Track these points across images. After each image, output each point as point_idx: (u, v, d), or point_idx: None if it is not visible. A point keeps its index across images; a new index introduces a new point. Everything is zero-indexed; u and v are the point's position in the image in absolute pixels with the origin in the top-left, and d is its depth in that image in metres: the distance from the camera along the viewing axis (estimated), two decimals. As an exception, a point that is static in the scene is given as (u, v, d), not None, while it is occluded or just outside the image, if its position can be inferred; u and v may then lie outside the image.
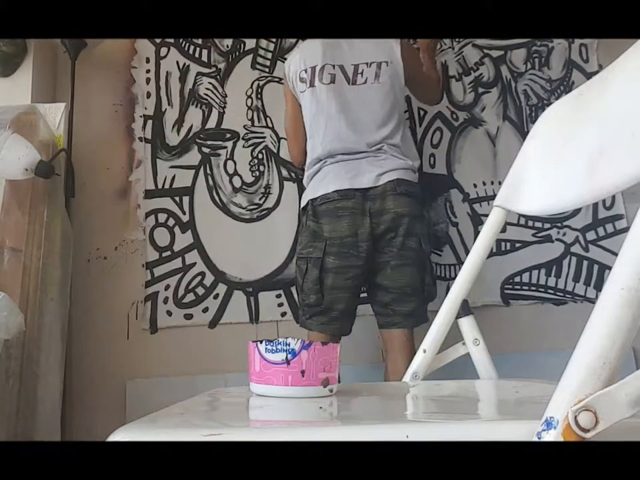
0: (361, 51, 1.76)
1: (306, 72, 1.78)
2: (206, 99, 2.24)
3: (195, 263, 2.11)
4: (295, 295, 1.96)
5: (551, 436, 0.41)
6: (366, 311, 2.09)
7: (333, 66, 1.76)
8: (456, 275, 1.05)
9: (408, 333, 1.65)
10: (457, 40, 2.34)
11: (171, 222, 2.14)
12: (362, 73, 1.75)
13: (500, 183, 0.97)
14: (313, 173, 1.76)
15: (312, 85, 1.76)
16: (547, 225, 2.19)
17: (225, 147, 2.21)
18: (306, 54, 1.80)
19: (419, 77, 1.86)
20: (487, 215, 0.96)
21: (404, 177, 1.68)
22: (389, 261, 1.65)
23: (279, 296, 2.10)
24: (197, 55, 2.28)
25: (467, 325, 0.97)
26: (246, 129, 2.23)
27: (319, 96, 1.75)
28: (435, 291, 1.72)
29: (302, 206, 1.79)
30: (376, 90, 1.73)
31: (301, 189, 2.18)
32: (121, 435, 0.48)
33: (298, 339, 0.68)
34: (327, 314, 1.68)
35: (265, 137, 2.23)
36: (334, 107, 1.72)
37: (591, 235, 2.20)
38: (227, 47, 2.29)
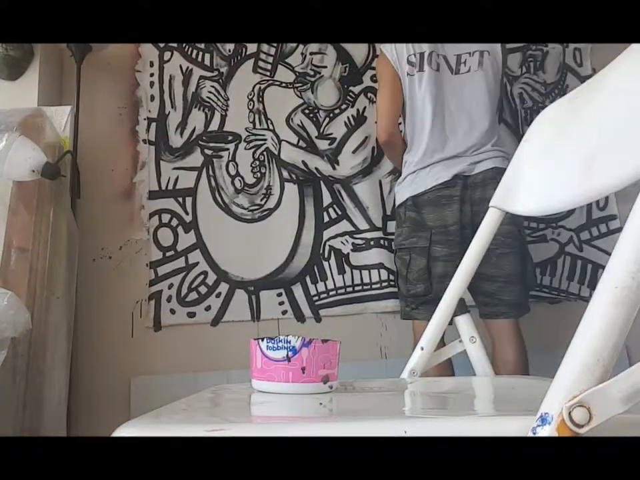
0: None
1: (415, 56, 1.76)
2: (208, 102, 2.26)
3: (198, 262, 2.12)
4: (397, 287, 1.87)
5: (545, 431, 0.42)
6: (364, 309, 2.14)
7: (438, 55, 1.76)
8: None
9: (514, 322, 1.63)
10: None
11: (175, 222, 2.15)
12: (465, 62, 1.75)
13: (496, 184, 0.99)
14: (412, 173, 1.74)
15: (421, 69, 1.75)
16: (542, 225, 2.22)
17: (227, 149, 2.23)
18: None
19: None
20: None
21: (502, 165, 1.62)
22: (494, 249, 1.55)
23: (279, 294, 2.12)
24: (199, 59, 2.30)
25: (464, 323, 0.99)
26: (247, 131, 2.24)
27: (427, 81, 1.74)
28: (535, 279, 1.68)
29: (399, 203, 1.78)
30: (480, 77, 1.74)
31: (302, 190, 2.21)
32: (125, 431, 0.48)
33: (299, 337, 0.68)
34: (436, 302, 1.60)
35: (266, 139, 2.24)
36: (447, 98, 1.73)
37: (584, 235, 2.24)
38: (229, 51, 2.31)
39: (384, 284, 2.15)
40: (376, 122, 1.85)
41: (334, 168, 2.24)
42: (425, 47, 1.75)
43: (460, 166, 1.67)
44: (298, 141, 2.25)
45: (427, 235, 1.64)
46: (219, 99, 2.27)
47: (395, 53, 1.78)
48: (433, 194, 1.67)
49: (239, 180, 2.21)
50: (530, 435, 0.43)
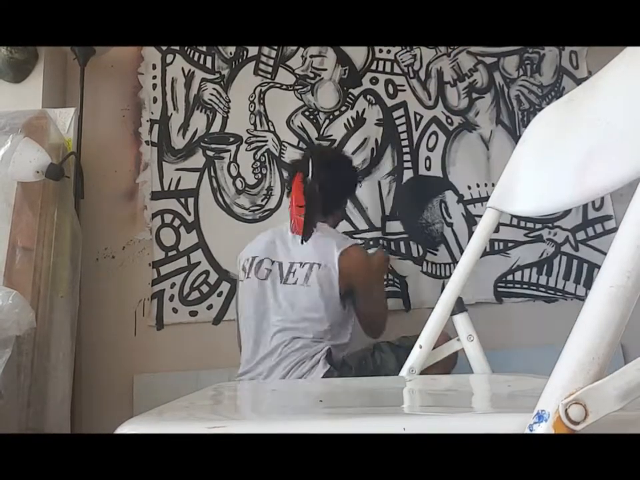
0: (299, 251, 1.60)
1: (247, 261, 1.68)
2: (210, 104, 2.27)
3: (200, 262, 2.14)
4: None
5: (542, 428, 0.42)
6: (364, 308, 2.14)
7: (272, 261, 1.64)
8: (451, 274, 1.05)
9: None
10: (451, 47, 2.37)
11: (177, 222, 2.17)
12: (294, 273, 1.60)
13: (493, 185, 0.94)
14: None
15: (248, 276, 1.66)
16: (539, 225, 2.24)
17: (229, 150, 2.24)
18: (252, 244, 1.73)
19: (361, 292, 1.65)
20: (480, 216, 0.96)
21: None
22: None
23: (280, 294, 2.15)
24: (201, 61, 2.31)
25: (462, 322, 0.98)
26: (248, 133, 2.26)
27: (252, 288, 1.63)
28: None
29: None
30: (305, 292, 1.57)
31: (302, 191, 2.24)
32: (128, 428, 0.48)
33: None
34: None
35: (266, 141, 2.26)
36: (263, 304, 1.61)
37: (580, 235, 2.25)
38: (231, 54, 2.33)
39: (383, 283, 2.16)
40: None
41: (334, 169, 2.26)
42: (260, 253, 1.67)
43: None
44: (298, 143, 2.27)
45: None
46: (220, 101, 2.28)
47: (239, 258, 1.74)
48: None
49: (240, 181, 2.23)
50: (527, 431, 0.43)
